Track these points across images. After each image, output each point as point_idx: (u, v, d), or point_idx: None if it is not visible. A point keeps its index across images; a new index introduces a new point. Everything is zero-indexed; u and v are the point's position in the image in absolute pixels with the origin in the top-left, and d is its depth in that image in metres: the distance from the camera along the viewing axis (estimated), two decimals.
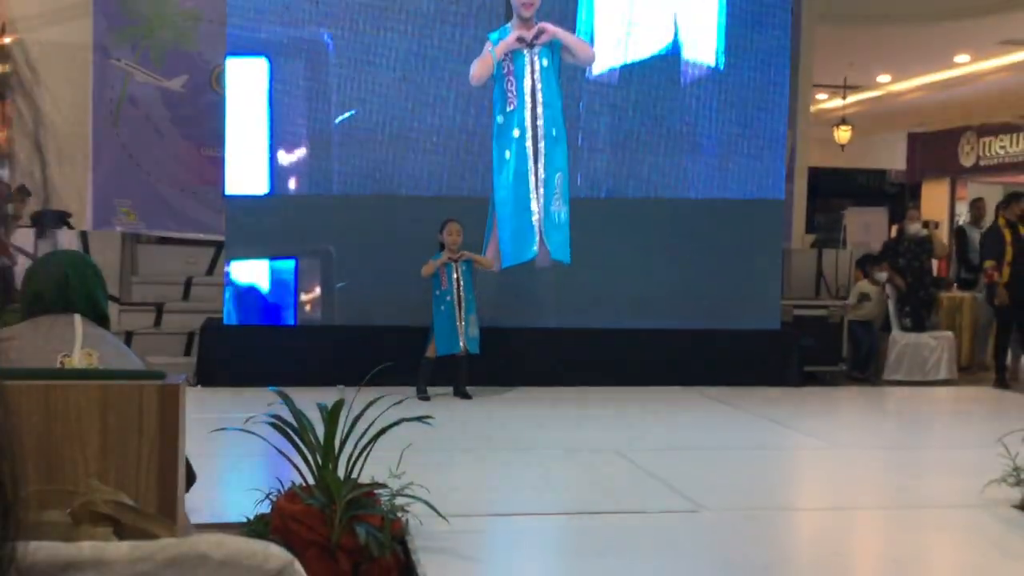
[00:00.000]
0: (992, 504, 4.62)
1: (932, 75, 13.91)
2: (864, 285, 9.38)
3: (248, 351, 7.77)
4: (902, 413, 8.16)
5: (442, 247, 7.28)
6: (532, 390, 7.76)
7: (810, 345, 8.82)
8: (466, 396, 7.31)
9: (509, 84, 7.88)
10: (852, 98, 14.91)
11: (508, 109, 7.93)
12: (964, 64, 13.23)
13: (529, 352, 8.06)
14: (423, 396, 7.03)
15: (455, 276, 7.21)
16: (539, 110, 7.93)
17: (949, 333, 9.48)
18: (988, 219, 10.36)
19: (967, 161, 16.05)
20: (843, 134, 14.86)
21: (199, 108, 8.86)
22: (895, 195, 17.31)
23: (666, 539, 4.14)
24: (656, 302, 8.43)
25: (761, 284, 8.60)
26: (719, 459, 5.78)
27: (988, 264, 9.12)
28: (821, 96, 15.03)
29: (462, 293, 7.21)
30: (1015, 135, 15.05)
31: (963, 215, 14.45)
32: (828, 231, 12.48)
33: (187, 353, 8.23)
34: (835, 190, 15.77)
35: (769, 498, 5.05)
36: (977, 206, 10.94)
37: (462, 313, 7.21)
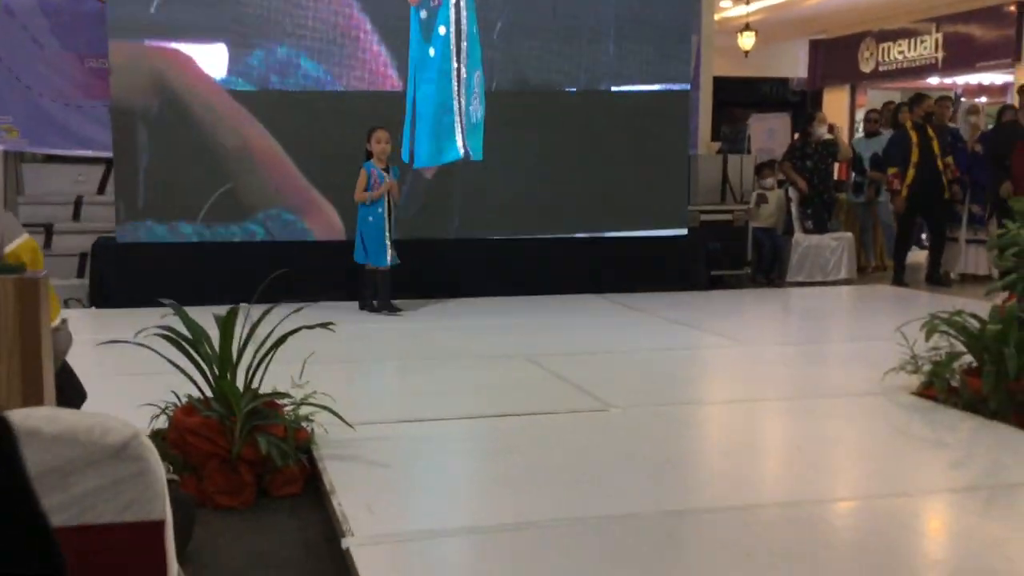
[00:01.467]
0: (892, 391, 4.75)
1: None
2: (760, 188, 9.52)
3: (144, 271, 7.47)
4: (805, 311, 8.34)
5: (368, 156, 7.04)
6: (440, 301, 7.69)
7: (716, 249, 8.92)
8: (395, 310, 7.13)
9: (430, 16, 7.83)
10: (755, 5, 14.91)
11: (432, 5, 7.86)
12: None
13: (436, 263, 7.96)
14: (393, 309, 7.05)
15: (384, 187, 7.00)
16: (463, 4, 7.89)
17: (848, 234, 9.68)
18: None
19: (867, 67, 16.25)
20: (747, 40, 14.87)
21: (80, 16, 8.33)
22: (797, 103, 17.48)
23: (575, 437, 4.14)
24: (564, 210, 8.38)
25: (668, 190, 8.61)
26: (628, 361, 5.81)
27: (891, 171, 9.26)
28: (725, 3, 14.98)
29: (391, 204, 7.06)
30: (913, 40, 15.26)
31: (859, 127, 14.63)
32: (733, 140, 12.54)
33: (80, 275, 7.89)
34: (739, 99, 15.83)
35: (676, 395, 5.10)
36: (871, 118, 11.01)
37: (391, 224, 7.06)
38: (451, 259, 8.07)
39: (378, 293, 7.16)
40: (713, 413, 4.83)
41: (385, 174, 6.99)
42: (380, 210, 6.99)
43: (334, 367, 4.81)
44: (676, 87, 8.65)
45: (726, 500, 3.39)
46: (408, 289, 7.53)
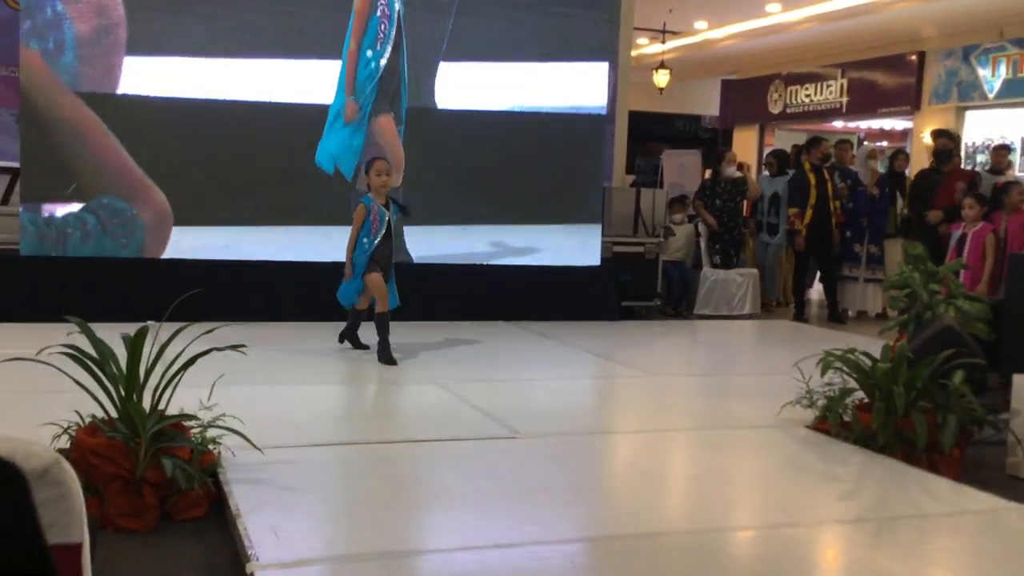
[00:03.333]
0: (788, 424, 4.94)
1: (746, 23, 14.48)
2: (669, 222, 9.80)
3: (47, 285, 7.29)
4: (710, 344, 8.56)
5: (368, 188, 6.43)
6: (341, 323, 7.64)
7: (628, 281, 9.11)
8: (390, 361, 6.27)
9: (382, 26, 7.87)
10: (671, 43, 15.34)
11: (378, 48, 7.89)
12: (775, 13, 13.82)
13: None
14: (390, 359, 6.22)
15: (384, 226, 6.31)
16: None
17: (754, 270, 10.00)
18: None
19: (775, 108, 16.84)
20: (661, 78, 15.28)
21: None
22: (709, 140, 18.00)
23: (483, 464, 4.19)
24: (477, 237, 8.47)
25: (584, 220, 8.80)
26: (538, 389, 5.90)
27: (791, 211, 9.63)
28: (642, 40, 15.37)
29: (392, 244, 6.44)
30: (819, 84, 15.88)
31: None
32: (646, 173, 12.84)
33: None
34: (653, 134, 16.23)
35: (585, 423, 5.20)
36: (768, 161, 11.39)
37: (390, 266, 6.46)
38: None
39: (347, 327, 6.68)
40: (620, 442, 4.94)
41: (386, 211, 6.32)
42: (369, 248, 6.28)
43: (245, 390, 4.77)
44: (592, 112, 8.86)
45: (631, 528, 3.49)
46: (318, 314, 7.50)
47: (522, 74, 8.64)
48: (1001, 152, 10.12)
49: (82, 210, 7.51)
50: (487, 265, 8.49)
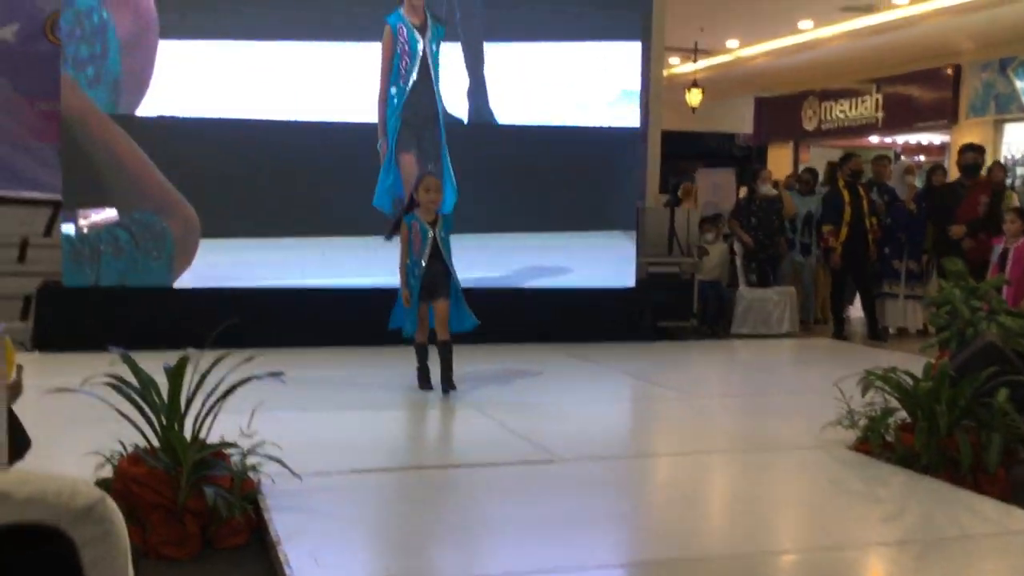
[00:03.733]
0: (829, 445, 4.88)
1: (778, 41, 14.43)
2: (702, 242, 9.77)
3: (89, 314, 7.41)
4: (748, 364, 8.50)
5: (409, 207, 6.14)
6: (388, 348, 7.68)
7: (663, 301, 9.08)
8: (451, 387, 6.03)
9: (403, 63, 7.93)
10: (703, 62, 15.33)
11: (400, 84, 7.94)
12: (807, 30, 13.77)
13: (384, 311, 7.96)
14: (424, 384, 6.12)
15: (431, 240, 5.99)
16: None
17: (791, 288, 9.91)
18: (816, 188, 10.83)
19: (810, 125, 16.75)
20: (694, 97, 15.27)
21: (32, 59, 8.31)
22: (743, 157, 17.93)
23: (522, 489, 4.19)
24: (515, 257, 8.51)
25: (618, 242, 8.80)
26: (578, 412, 5.88)
27: (826, 229, 9.55)
28: (674, 60, 15.38)
29: (444, 260, 6.04)
30: (853, 100, 15.78)
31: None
32: (681, 192, 12.79)
33: (23, 318, 7.78)
34: (687, 152, 16.20)
35: (624, 446, 5.18)
36: (804, 178, 11.32)
37: (448, 286, 6.09)
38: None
39: (419, 367, 6.20)
40: (660, 465, 4.92)
41: (430, 228, 5.99)
42: (418, 271, 5.97)
43: (283, 416, 4.81)
44: (627, 130, 8.91)
45: (674, 553, 3.46)
46: (357, 337, 7.55)
47: (557, 90, 8.66)
48: None
49: (114, 226, 7.62)
50: (523, 288, 8.50)
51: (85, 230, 7.58)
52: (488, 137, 8.46)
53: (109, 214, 7.63)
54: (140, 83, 7.69)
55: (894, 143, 16.65)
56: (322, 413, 5.61)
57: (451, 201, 7.77)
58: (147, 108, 7.74)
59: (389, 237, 6.37)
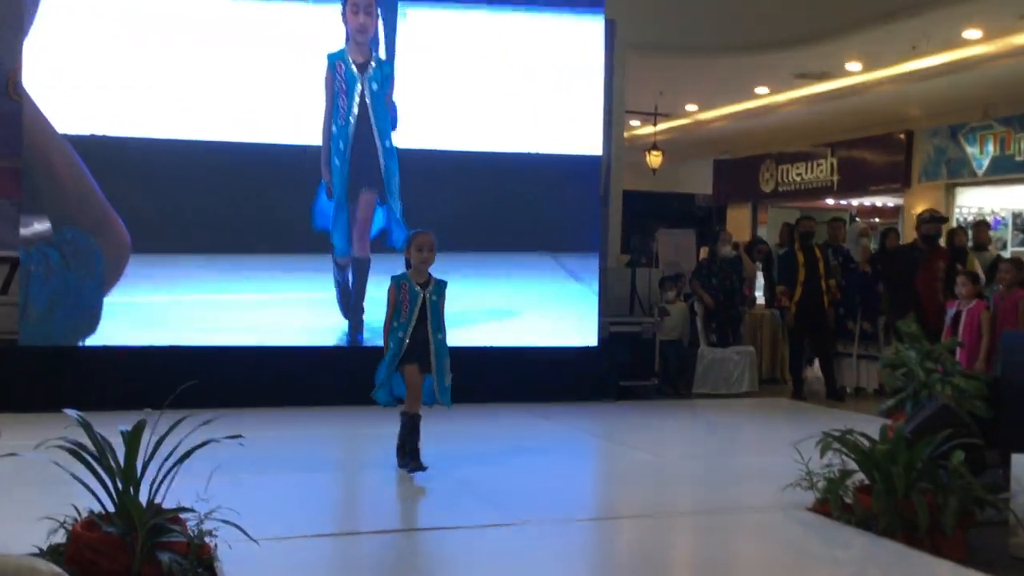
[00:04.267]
0: (789, 507, 4.90)
1: (735, 105, 14.75)
2: (663, 301, 9.87)
3: (46, 375, 7.30)
4: (710, 424, 8.53)
5: (407, 266, 5.71)
6: (342, 408, 7.62)
7: (625, 360, 9.13)
8: (417, 467, 5.51)
9: (341, 101, 7.94)
10: (662, 125, 15.60)
11: (339, 123, 7.96)
12: (763, 96, 14.10)
13: (337, 371, 7.92)
14: (409, 466, 5.51)
15: (419, 304, 5.57)
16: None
17: (750, 348, 10.02)
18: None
19: (767, 187, 17.06)
20: (654, 159, 15.52)
21: None
22: (703, 218, 18.18)
23: (485, 553, 4.15)
24: (476, 317, 8.51)
25: (581, 302, 8.85)
26: (538, 473, 5.86)
27: (779, 289, 9.76)
28: (634, 123, 15.64)
29: (429, 329, 5.60)
30: (809, 163, 16.13)
31: (769, 237, 15.27)
32: (642, 252, 12.94)
33: None
34: (648, 213, 16.40)
35: (586, 508, 5.16)
36: (785, 230, 11.61)
37: (429, 355, 5.62)
38: (355, 366, 8.08)
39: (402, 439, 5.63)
40: (622, 528, 4.90)
41: (421, 291, 5.58)
42: (401, 334, 5.55)
43: (242, 479, 4.75)
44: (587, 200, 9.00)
45: None
46: (305, 399, 7.49)
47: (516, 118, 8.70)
48: (982, 228, 10.26)
49: (45, 245, 7.53)
50: (483, 347, 8.50)
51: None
52: (445, 167, 8.40)
53: (41, 231, 7.54)
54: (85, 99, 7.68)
55: (849, 205, 17.00)
56: (281, 475, 5.54)
57: (399, 238, 7.85)
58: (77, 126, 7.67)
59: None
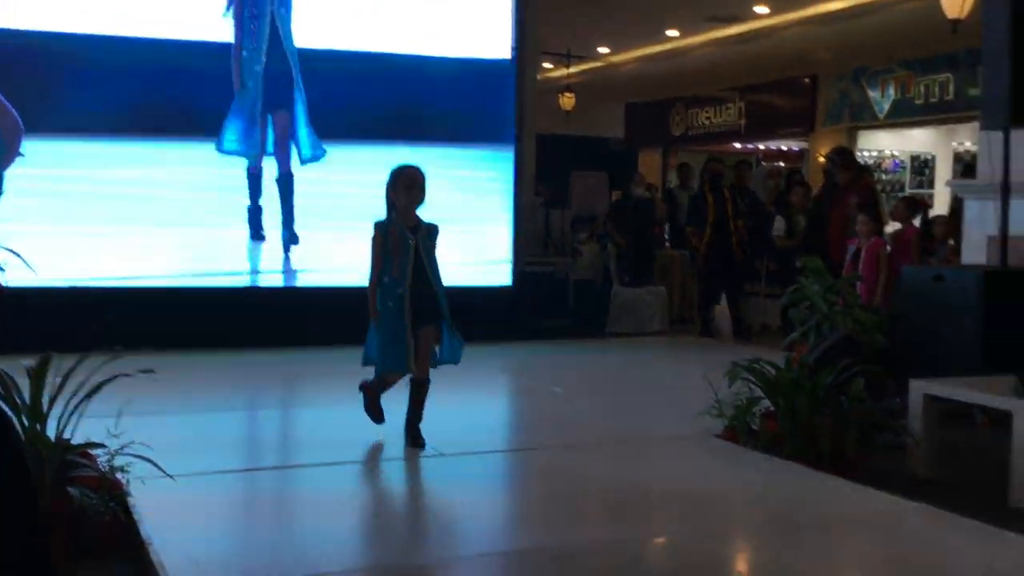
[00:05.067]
0: (699, 434, 5.06)
1: (646, 48, 14.82)
2: (576, 242, 9.99)
3: None
4: (624, 361, 8.69)
5: (391, 209, 4.83)
6: (259, 351, 7.54)
7: (539, 300, 9.21)
8: (415, 443, 4.71)
9: (252, 24, 7.94)
10: (575, 68, 15.60)
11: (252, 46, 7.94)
12: (674, 39, 14.20)
13: (256, 312, 7.83)
14: (379, 415, 4.92)
15: (412, 252, 4.74)
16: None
17: (662, 288, 10.20)
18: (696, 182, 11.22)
19: (677, 131, 17.28)
20: (567, 101, 15.54)
21: None
22: (615, 161, 18.30)
23: (401, 483, 4.19)
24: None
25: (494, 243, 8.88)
26: (457, 409, 5.90)
27: (689, 230, 9.93)
28: (547, 65, 15.60)
29: (431, 281, 4.79)
30: (718, 107, 16.37)
31: (672, 180, 15.54)
32: (555, 195, 13.00)
33: None
34: (561, 156, 16.42)
35: (504, 442, 5.24)
36: (683, 170, 11.81)
37: (437, 309, 4.84)
38: (279, 306, 7.99)
39: (410, 410, 4.81)
40: (539, 459, 4.98)
41: (412, 236, 4.76)
42: (400, 291, 4.71)
43: (154, 418, 4.66)
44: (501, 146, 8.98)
45: (552, 541, 3.53)
46: (222, 339, 7.39)
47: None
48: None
49: None
50: None
51: None
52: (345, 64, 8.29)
53: None
54: None
55: (756, 149, 17.34)
56: (194, 415, 5.46)
57: (309, 156, 7.89)
58: None
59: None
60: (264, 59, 7.89)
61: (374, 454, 4.64)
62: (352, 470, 4.40)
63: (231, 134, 7.91)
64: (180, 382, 6.15)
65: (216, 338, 7.45)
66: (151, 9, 7.80)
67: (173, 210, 7.82)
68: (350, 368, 6.47)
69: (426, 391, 4.79)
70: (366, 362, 4.87)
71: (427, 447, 4.71)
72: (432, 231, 4.85)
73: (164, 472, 3.65)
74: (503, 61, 9.07)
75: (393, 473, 4.36)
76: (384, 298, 4.72)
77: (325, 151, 8.10)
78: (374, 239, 4.76)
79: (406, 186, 4.77)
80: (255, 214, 8.11)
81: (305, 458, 4.63)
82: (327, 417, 5.61)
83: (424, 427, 4.84)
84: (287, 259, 8.26)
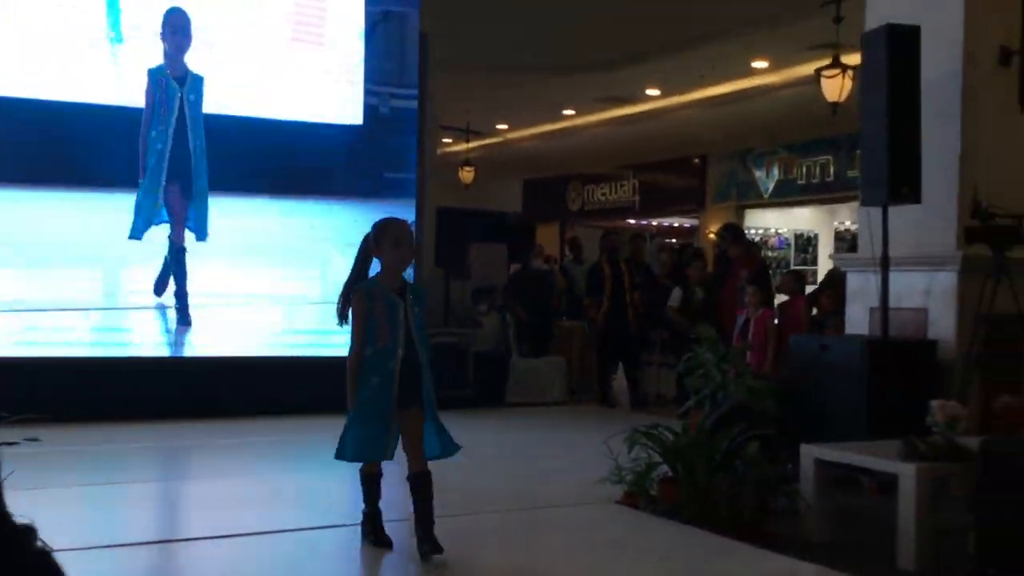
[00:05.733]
0: (600, 500, 5.09)
1: (543, 126, 15.21)
2: (477, 313, 10.05)
3: None
4: (523, 429, 8.71)
5: (362, 266, 4.15)
6: (147, 424, 7.31)
7: (440, 371, 9.16)
8: (434, 549, 4.02)
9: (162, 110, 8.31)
10: (475, 143, 15.87)
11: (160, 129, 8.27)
12: (570, 117, 14.62)
13: (140, 384, 7.62)
14: (373, 539, 4.23)
15: (402, 318, 4.03)
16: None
17: (561, 358, 10.32)
18: (592, 257, 11.47)
19: (574, 206, 17.67)
20: (467, 174, 15.75)
21: None
22: (514, 234, 18.54)
23: (285, 562, 4.08)
24: (290, 327, 8.36)
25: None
26: (344, 476, 5.80)
27: (586, 301, 10.13)
28: (447, 140, 15.83)
29: (416, 350, 4.07)
30: (613, 184, 16.83)
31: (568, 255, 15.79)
32: (455, 266, 13.08)
33: None
34: (461, 229, 16.57)
35: (400, 510, 5.15)
36: (574, 244, 12.05)
37: (421, 387, 4.11)
38: (160, 378, 7.77)
39: (419, 515, 4.08)
40: (441, 524, 4.92)
41: (400, 300, 4.04)
42: (392, 364, 4.00)
43: (33, 491, 4.47)
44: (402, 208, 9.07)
45: None
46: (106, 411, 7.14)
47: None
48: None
49: None
50: (291, 357, 8.34)
51: None
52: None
53: None
54: None
55: (649, 224, 17.84)
56: (76, 488, 5.24)
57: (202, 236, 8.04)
58: None
59: (343, 319, 4.10)
60: (170, 142, 8.25)
61: (225, 529, 4.52)
62: (225, 545, 4.27)
63: (140, 222, 8.11)
64: (66, 449, 5.92)
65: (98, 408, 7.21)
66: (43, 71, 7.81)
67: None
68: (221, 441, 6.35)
69: (430, 486, 4.03)
70: (339, 455, 4.08)
71: (316, 518, 4.62)
72: (421, 295, 4.16)
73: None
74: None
75: (274, 546, 4.25)
76: (368, 373, 3.98)
77: (207, 236, 8.29)
78: (354, 304, 4.01)
79: (393, 242, 4.07)
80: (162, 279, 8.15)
81: (174, 532, 4.49)
82: (167, 492, 5.47)
83: (313, 496, 4.75)
84: (179, 331, 8.12)
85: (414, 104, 9.31)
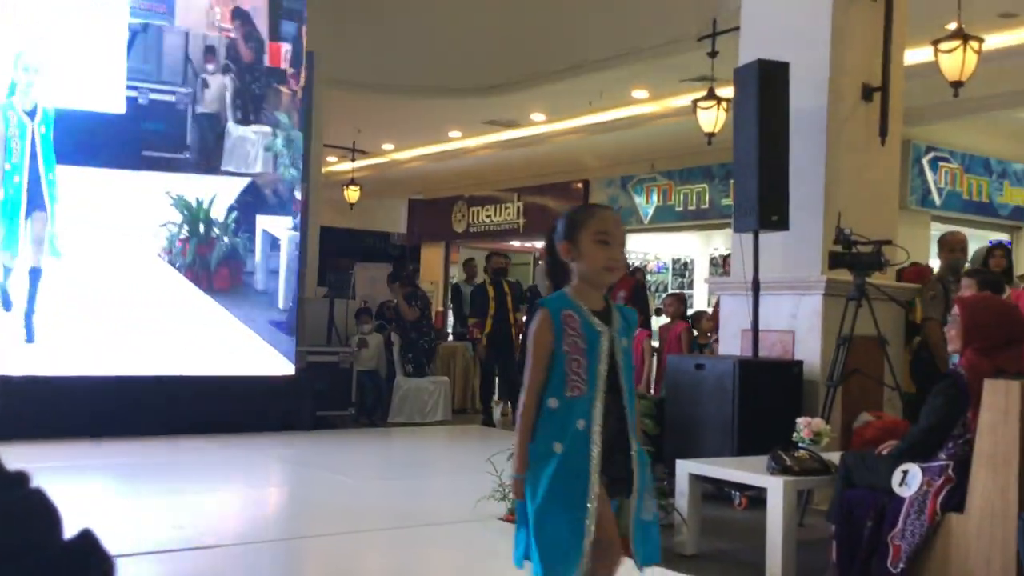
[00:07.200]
0: (483, 517, 5.15)
1: (429, 147, 15.29)
2: (360, 333, 10.02)
3: None
4: (406, 448, 8.72)
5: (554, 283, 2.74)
6: (61, 443, 7.01)
7: (323, 390, 9.12)
8: None
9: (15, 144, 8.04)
10: (360, 162, 15.82)
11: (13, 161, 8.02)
12: (456, 139, 14.74)
13: (45, 402, 7.33)
14: None
15: (603, 363, 2.54)
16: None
17: (445, 378, 10.36)
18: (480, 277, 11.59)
19: (459, 227, 17.76)
20: (352, 194, 15.68)
21: None
22: (398, 255, 18.55)
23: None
24: (168, 347, 8.15)
25: (276, 331, 8.75)
26: (230, 498, 5.72)
27: (471, 321, 10.22)
28: (332, 158, 15.73)
29: (623, 402, 2.55)
30: (498, 206, 17.00)
31: (456, 275, 15.90)
32: (338, 286, 13.00)
33: None
34: (345, 248, 16.49)
35: (280, 530, 5.10)
36: (468, 265, 12.16)
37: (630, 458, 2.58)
38: (65, 396, 7.49)
39: None
40: (318, 546, 4.90)
41: (604, 329, 2.56)
42: (584, 421, 2.48)
43: None
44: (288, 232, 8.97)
45: None
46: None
47: None
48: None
49: None
50: (174, 376, 8.14)
51: None
52: None
53: None
54: None
55: (534, 247, 18.08)
56: None
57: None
58: None
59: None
60: (24, 172, 8.15)
61: (146, 547, 4.42)
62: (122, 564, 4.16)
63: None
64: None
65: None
66: None
67: None
68: (133, 459, 6.17)
69: None
70: (520, 561, 2.56)
71: (196, 538, 4.54)
72: (630, 319, 2.67)
73: None
74: None
75: (159, 568, 4.16)
76: (552, 435, 2.49)
77: (61, 255, 8.14)
78: (536, 333, 2.55)
79: (599, 233, 2.62)
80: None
81: None
82: (96, 507, 5.29)
83: (188, 517, 4.65)
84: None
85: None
